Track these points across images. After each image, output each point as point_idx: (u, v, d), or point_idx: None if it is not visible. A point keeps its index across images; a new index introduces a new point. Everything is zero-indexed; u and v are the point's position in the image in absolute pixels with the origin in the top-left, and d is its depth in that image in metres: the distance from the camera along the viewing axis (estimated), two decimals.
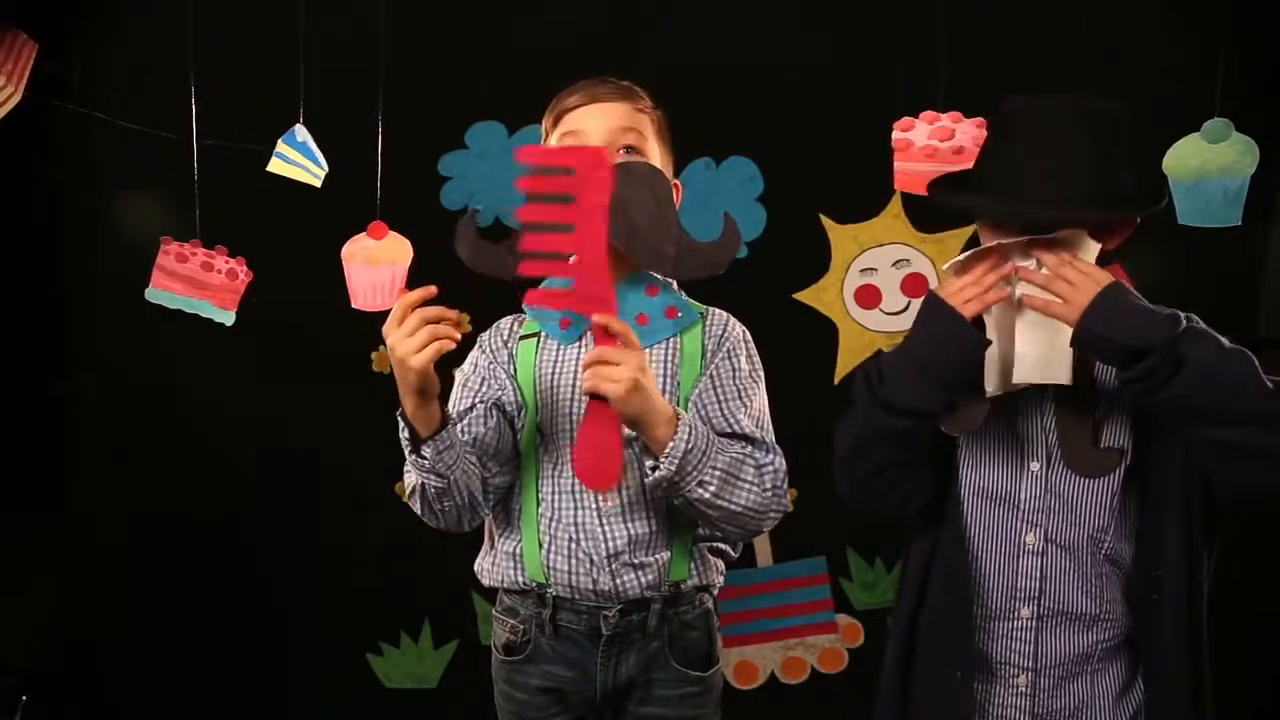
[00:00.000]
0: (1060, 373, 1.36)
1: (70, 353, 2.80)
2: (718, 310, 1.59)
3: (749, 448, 1.47)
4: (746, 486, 1.43)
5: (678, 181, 1.53)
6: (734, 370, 1.52)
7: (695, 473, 1.39)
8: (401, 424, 1.40)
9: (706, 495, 1.40)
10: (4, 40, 2.31)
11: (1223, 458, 1.30)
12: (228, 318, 2.46)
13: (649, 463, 1.40)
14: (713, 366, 1.51)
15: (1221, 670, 1.40)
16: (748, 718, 1.80)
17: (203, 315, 2.45)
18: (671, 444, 1.37)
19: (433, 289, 1.33)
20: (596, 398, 1.36)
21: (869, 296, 2.62)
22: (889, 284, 2.60)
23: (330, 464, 2.66)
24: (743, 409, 1.49)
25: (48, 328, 2.76)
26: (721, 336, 1.54)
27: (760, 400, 1.53)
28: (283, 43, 2.42)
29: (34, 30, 2.38)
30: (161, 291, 2.43)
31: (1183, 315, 1.30)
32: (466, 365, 1.60)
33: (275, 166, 2.40)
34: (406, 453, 1.42)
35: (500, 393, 1.54)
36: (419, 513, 1.49)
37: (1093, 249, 1.36)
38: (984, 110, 2.13)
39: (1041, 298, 1.34)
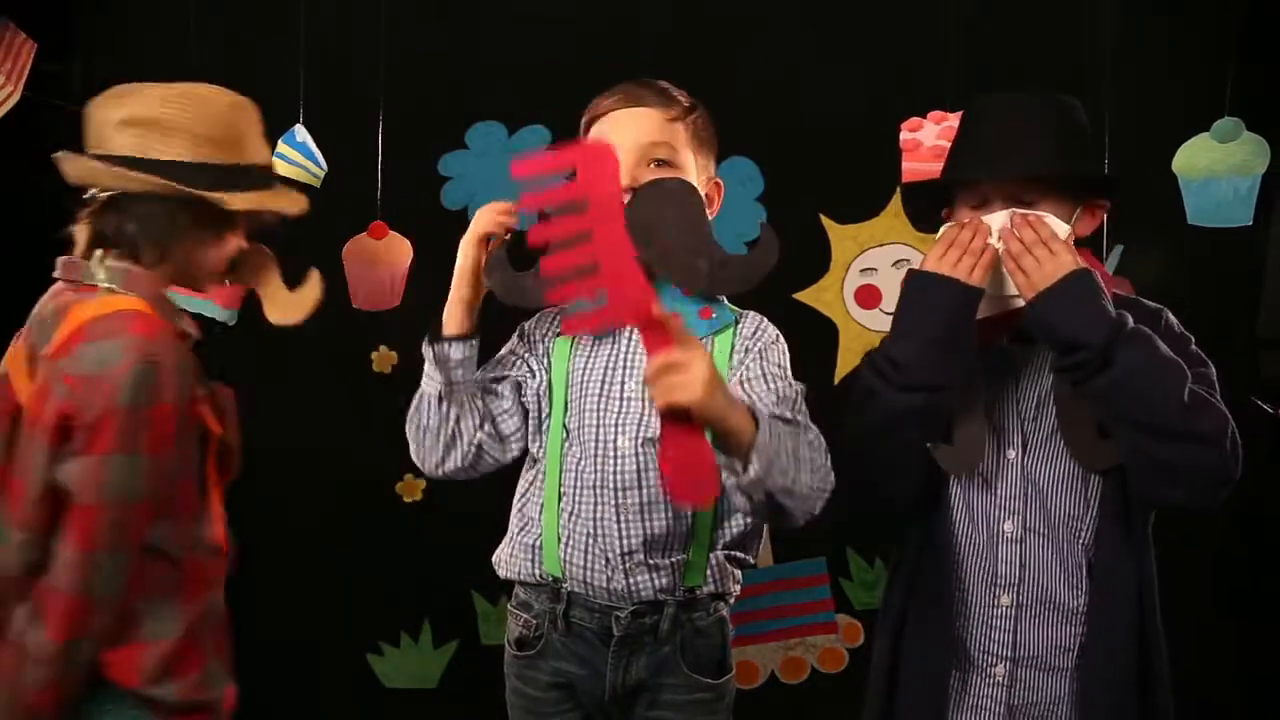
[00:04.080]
0: None
1: None
2: (752, 313, 1.56)
3: (792, 427, 1.38)
4: (808, 467, 1.34)
5: (719, 179, 1.54)
6: (763, 371, 1.49)
7: (776, 461, 1.28)
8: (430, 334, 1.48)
9: (786, 484, 1.30)
10: (3, 40, 2.31)
11: (1135, 464, 1.37)
12: (229, 317, 2.45)
13: (736, 464, 1.28)
14: (743, 368, 1.49)
15: (1218, 668, 1.40)
16: (748, 718, 1.80)
17: (204, 315, 2.44)
18: (757, 439, 1.26)
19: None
20: (673, 413, 1.19)
21: (869, 296, 2.62)
22: (889, 284, 2.60)
23: (330, 464, 2.66)
24: (773, 397, 1.44)
25: None
26: (753, 338, 1.52)
27: (793, 389, 1.47)
28: (283, 43, 2.42)
29: (34, 30, 2.37)
30: None
31: (1130, 321, 1.35)
32: (505, 348, 1.62)
33: (275, 166, 2.40)
34: (425, 347, 1.48)
35: (527, 377, 1.57)
36: (408, 431, 1.53)
37: (1064, 229, 1.40)
38: None
39: (1010, 264, 1.40)
